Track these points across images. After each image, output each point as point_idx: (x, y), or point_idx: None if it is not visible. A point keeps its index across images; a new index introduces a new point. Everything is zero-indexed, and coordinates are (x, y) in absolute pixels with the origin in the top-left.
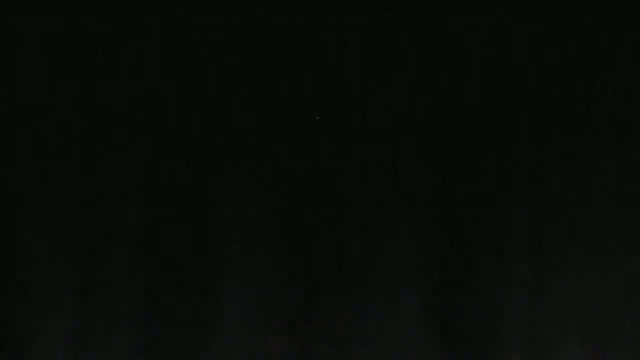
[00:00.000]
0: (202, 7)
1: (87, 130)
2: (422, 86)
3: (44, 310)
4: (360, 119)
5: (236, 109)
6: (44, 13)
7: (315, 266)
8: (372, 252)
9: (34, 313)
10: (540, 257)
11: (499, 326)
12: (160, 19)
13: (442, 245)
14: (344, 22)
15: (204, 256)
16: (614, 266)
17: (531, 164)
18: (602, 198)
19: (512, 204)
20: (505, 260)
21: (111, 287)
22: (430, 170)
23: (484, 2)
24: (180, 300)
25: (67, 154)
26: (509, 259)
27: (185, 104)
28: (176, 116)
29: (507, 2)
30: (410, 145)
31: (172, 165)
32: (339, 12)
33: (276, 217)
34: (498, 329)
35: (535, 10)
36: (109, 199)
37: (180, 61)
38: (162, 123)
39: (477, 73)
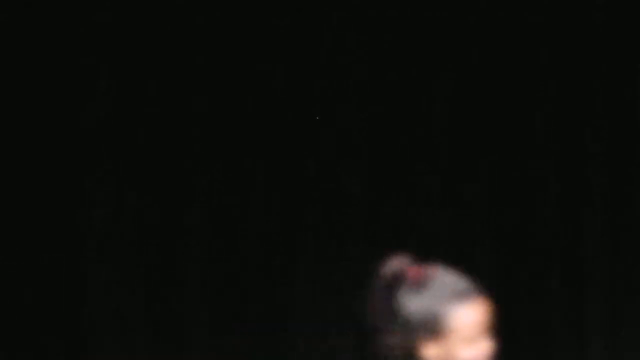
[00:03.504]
0: (202, 7)
1: (88, 130)
2: (422, 86)
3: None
4: (360, 119)
5: (236, 109)
6: (44, 13)
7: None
8: None
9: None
10: None
11: None
12: (160, 19)
13: None
14: (343, 22)
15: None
16: None
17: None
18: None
19: None
20: None
21: None
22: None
23: (484, 2)
24: None
25: (68, 153)
26: None
27: (185, 104)
28: (176, 116)
29: (507, 2)
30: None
31: (171, 164)
32: (339, 12)
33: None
34: None
35: (535, 10)
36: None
37: (180, 61)
38: (162, 123)
39: (477, 73)
